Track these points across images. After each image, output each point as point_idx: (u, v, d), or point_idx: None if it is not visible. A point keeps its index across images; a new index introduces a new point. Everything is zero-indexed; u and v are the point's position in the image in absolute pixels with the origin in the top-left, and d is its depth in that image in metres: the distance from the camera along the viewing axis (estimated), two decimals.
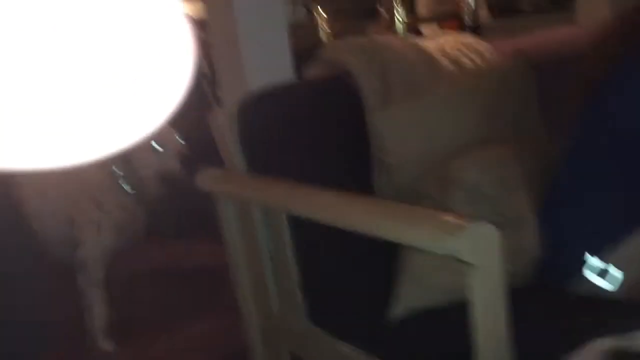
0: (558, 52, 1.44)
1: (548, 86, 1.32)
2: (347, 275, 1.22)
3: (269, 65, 1.41)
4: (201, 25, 1.50)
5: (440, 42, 1.51)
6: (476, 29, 2.21)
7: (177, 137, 1.90)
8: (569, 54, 1.31)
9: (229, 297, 1.43)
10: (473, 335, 0.82)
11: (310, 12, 2.39)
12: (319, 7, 2.38)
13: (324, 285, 1.21)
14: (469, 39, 1.53)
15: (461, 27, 2.43)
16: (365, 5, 4.22)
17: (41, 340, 1.13)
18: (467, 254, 0.79)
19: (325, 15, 2.19)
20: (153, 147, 1.84)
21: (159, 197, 1.94)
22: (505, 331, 0.82)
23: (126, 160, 1.84)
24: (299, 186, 1.14)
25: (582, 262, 1.07)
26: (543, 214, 1.12)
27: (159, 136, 1.82)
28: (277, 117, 1.27)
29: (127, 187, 1.88)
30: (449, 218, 0.83)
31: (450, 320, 0.98)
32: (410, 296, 1.05)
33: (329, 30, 2.19)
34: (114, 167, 1.87)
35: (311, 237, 1.20)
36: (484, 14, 2.76)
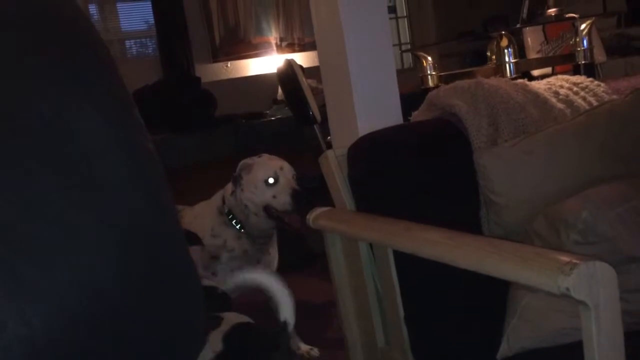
0: None
1: None
2: (454, 312, 1.21)
3: (378, 109, 1.48)
4: (314, 73, 1.60)
5: (550, 82, 1.50)
6: (591, 69, 2.14)
7: (292, 173, 1.87)
8: None
9: (334, 331, 1.47)
10: None
11: (417, 58, 2.46)
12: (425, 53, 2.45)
13: (429, 321, 1.22)
14: (581, 78, 1.50)
15: (576, 68, 2.37)
16: (472, 49, 4.23)
17: None
18: (580, 293, 0.77)
19: (431, 60, 2.25)
20: (266, 181, 1.85)
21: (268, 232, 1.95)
22: None
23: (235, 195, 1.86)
24: (405, 223, 1.17)
25: None
26: None
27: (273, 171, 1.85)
28: (387, 158, 1.32)
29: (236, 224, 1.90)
30: (562, 256, 0.82)
31: None
32: (520, 337, 1.03)
33: (434, 74, 2.24)
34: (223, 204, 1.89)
35: (418, 273, 1.22)
36: (599, 53, 2.67)
